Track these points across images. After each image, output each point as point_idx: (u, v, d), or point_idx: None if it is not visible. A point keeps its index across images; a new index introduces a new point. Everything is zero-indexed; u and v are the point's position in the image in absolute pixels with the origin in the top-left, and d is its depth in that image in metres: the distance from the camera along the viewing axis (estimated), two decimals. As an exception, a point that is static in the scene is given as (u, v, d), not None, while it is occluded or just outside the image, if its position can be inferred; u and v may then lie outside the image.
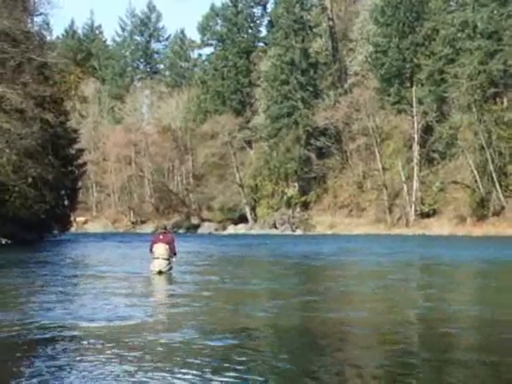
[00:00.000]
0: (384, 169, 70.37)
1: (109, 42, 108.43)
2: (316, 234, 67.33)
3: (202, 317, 10.58)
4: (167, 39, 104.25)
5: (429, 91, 67.63)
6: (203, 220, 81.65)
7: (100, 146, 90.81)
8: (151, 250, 18.26)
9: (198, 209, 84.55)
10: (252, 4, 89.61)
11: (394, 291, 15.13)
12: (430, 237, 56.33)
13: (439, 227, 62.52)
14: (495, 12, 63.64)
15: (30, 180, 40.56)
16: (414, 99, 68.08)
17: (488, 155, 60.95)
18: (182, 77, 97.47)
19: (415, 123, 67.84)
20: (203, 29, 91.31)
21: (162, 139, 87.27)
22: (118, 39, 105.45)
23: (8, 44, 39.57)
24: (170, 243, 18.05)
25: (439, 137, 67.05)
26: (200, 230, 77.76)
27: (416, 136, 67.84)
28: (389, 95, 72.04)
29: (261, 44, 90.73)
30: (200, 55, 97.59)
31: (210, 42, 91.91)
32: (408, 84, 71.72)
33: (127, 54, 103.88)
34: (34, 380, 6.50)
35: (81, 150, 55.18)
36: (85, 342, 8.45)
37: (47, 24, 55.49)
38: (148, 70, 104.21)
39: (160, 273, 17.64)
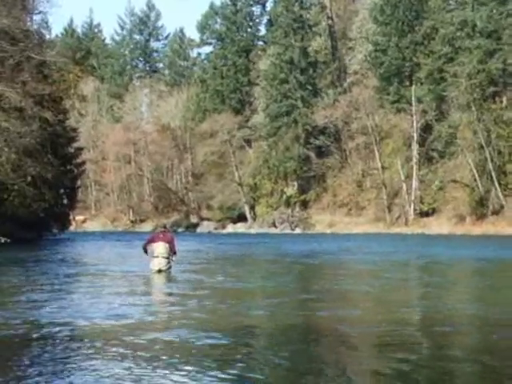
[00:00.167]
0: (383, 168, 70.36)
1: (108, 41, 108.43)
2: (315, 232, 67.32)
3: (200, 315, 10.57)
4: (166, 38, 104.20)
5: (428, 90, 67.62)
6: (202, 219, 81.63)
7: (99, 144, 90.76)
8: (145, 249, 18.27)
9: (197, 208, 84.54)
10: (251, 3, 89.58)
11: (392, 290, 15.13)
12: (429, 236, 56.36)
13: (438, 226, 62.52)
14: (494, 11, 63.63)
15: (29, 179, 40.53)
16: (413, 98, 68.06)
17: (487, 154, 60.95)
18: (182, 75, 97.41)
19: (414, 122, 67.82)
20: (202, 27, 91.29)
21: (162, 138, 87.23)
22: (117, 38, 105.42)
23: (7, 42, 39.54)
24: (170, 242, 18.05)
25: (438, 136, 67.04)
26: (199, 229, 77.74)
27: (415, 135, 67.82)
28: (388, 94, 72.03)
29: (260, 43, 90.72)
30: (199, 54, 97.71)
31: (210, 40, 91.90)
32: (407, 83, 71.72)
33: (126, 52, 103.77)
34: (32, 377, 6.49)
35: (80, 149, 55.13)
36: (83, 341, 8.44)
37: (46, 22, 55.59)
38: (147, 68, 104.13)
39: (159, 271, 17.64)
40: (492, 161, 60.94)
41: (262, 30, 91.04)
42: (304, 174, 75.12)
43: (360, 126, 71.78)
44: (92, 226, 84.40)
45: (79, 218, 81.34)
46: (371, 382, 6.60)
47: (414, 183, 67.43)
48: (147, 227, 75.38)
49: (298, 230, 70.75)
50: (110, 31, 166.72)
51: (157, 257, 17.85)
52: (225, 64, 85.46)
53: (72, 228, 61.33)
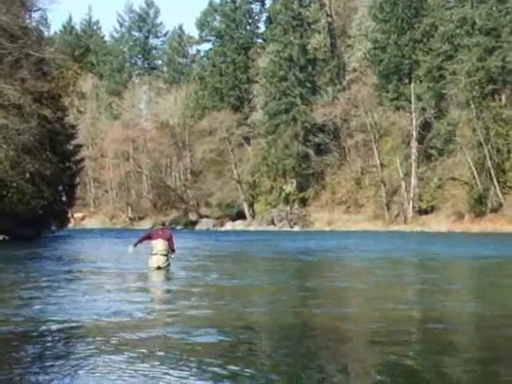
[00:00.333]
0: (382, 165, 70.38)
1: (107, 38, 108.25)
2: (314, 230, 67.33)
3: (198, 312, 10.56)
4: (165, 35, 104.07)
5: (427, 88, 67.63)
6: (201, 216, 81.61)
7: (98, 141, 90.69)
8: (137, 243, 18.31)
9: (196, 205, 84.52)
10: (250, 0, 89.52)
11: (387, 287, 15.14)
12: (428, 233, 56.39)
13: (437, 224, 62.56)
14: (494, 8, 63.65)
15: (27, 176, 40.48)
16: (412, 96, 68.06)
17: (486, 152, 60.99)
18: (180, 73, 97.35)
19: (413, 120, 67.84)
20: (201, 25, 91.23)
21: (160, 135, 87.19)
22: (115, 35, 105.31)
23: (6, 39, 39.48)
24: (169, 239, 18.05)
25: (437, 133, 67.10)
26: (198, 227, 77.73)
27: (414, 132, 67.83)
28: (387, 91, 72.03)
29: (259, 40, 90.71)
30: (198, 51, 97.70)
31: (208, 37, 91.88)
32: (406, 80, 71.73)
33: (125, 49, 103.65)
34: (31, 374, 6.48)
35: (79, 146, 55.05)
36: (81, 337, 8.43)
37: (45, 19, 55.64)
38: (146, 65, 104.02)
39: (158, 268, 17.64)
40: (491, 158, 60.99)
41: (261, 28, 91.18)
42: (303, 172, 75.14)
43: (359, 124, 71.81)
44: (91, 223, 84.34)
45: (78, 215, 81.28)
46: (371, 377, 6.57)
47: (413, 181, 67.45)
48: (146, 224, 75.33)
49: (296, 228, 70.75)
50: (108, 28, 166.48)
51: (155, 254, 17.86)
52: (224, 61, 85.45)
53: (71, 225, 61.31)
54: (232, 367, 6.77)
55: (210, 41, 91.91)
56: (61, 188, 49.64)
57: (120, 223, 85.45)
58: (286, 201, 74.38)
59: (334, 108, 73.05)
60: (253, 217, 77.42)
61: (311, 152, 75.18)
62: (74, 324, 9.40)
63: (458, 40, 65.21)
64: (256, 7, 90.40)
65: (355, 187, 72.85)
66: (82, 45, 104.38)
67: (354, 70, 78.97)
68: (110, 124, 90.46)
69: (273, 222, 73.45)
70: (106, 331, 8.83)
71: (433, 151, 68.32)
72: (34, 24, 49.53)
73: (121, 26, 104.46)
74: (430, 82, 67.64)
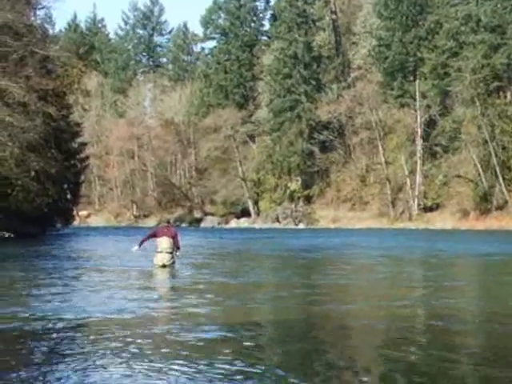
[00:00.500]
0: (387, 163, 70.31)
1: (111, 36, 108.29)
2: (319, 227, 67.30)
3: (203, 309, 10.56)
4: (170, 33, 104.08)
5: (432, 85, 67.53)
6: (206, 214, 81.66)
7: (103, 139, 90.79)
8: (142, 242, 18.31)
9: (201, 203, 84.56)
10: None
11: (391, 285, 15.13)
12: (433, 231, 56.31)
13: (442, 221, 62.51)
14: (499, 5, 63.50)
15: (32, 174, 40.53)
16: (417, 93, 67.98)
17: (491, 149, 60.87)
18: (185, 70, 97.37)
19: (418, 117, 67.76)
20: (206, 22, 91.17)
21: (165, 133, 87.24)
22: (120, 33, 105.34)
23: (11, 37, 39.50)
24: (174, 237, 18.06)
25: (442, 130, 67.01)
26: (203, 224, 77.78)
27: (419, 130, 67.75)
28: (392, 89, 71.94)
29: (264, 38, 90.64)
30: (203, 49, 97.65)
31: (213, 35, 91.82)
32: (411, 78, 71.61)
33: (130, 47, 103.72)
34: (32, 371, 6.48)
35: (83, 144, 55.11)
36: (85, 334, 8.44)
37: (50, 17, 55.66)
38: (151, 63, 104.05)
39: (163, 266, 17.65)
40: (496, 156, 60.86)
41: (266, 25, 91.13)
42: (308, 169, 75.12)
43: (364, 121, 71.76)
44: (95, 221, 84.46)
45: (83, 213, 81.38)
46: (379, 375, 6.57)
47: (418, 178, 67.38)
48: (151, 222, 75.43)
49: (301, 225, 70.74)
50: (113, 26, 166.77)
51: (160, 252, 17.87)
52: (228, 59, 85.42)
53: (76, 223, 61.38)
54: (238, 363, 6.77)
55: (214, 38, 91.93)
56: (66, 186, 49.71)
57: (125, 221, 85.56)
58: (291, 198, 74.36)
59: (338, 105, 72.99)
60: (258, 214, 77.44)
61: (316, 149, 75.14)
62: (78, 321, 9.40)
63: (463, 37, 65.09)
64: (260, 5, 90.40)
65: (360, 185, 72.81)
66: (87, 43, 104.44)
67: (359, 67, 78.89)
68: (115, 122, 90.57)
69: (278, 220, 73.45)
70: (110, 328, 8.83)
71: (438, 148, 68.22)
72: (38, 22, 49.58)
73: (125, 23, 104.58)
74: (435, 80, 67.53)
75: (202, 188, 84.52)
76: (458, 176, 65.02)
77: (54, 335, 8.32)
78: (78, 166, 52.74)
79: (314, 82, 76.39)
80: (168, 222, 20.18)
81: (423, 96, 67.72)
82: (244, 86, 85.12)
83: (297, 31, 76.32)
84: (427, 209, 66.40)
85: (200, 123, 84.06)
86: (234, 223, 77.08)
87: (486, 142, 61.30)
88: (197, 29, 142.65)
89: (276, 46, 79.51)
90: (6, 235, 39.93)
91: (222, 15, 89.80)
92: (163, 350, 7.51)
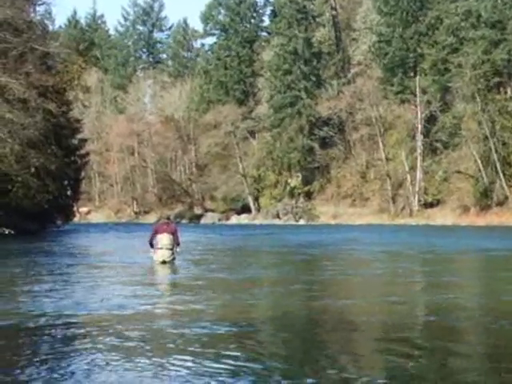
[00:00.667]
0: (387, 159, 70.29)
1: (111, 32, 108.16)
2: (319, 224, 67.31)
3: (201, 305, 10.57)
4: (170, 29, 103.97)
5: (432, 81, 67.47)
6: (206, 210, 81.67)
7: (103, 136, 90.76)
8: (151, 243, 18.24)
9: (201, 199, 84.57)
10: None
11: (390, 281, 15.15)
12: (434, 227, 56.33)
13: (442, 217, 62.51)
14: (499, 1, 63.42)
15: (32, 170, 40.52)
16: (417, 89, 67.92)
17: (492, 145, 60.84)
18: (185, 67, 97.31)
19: (419, 113, 67.71)
20: (206, 18, 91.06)
21: (165, 129, 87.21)
22: (120, 29, 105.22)
23: (10, 33, 39.47)
24: (174, 233, 18.07)
25: (442, 126, 66.98)
26: (203, 220, 77.78)
27: (419, 126, 67.71)
28: (392, 85, 71.87)
29: (264, 34, 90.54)
30: (203, 45, 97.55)
31: (213, 31, 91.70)
32: (411, 73, 71.53)
33: (130, 43, 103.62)
34: (32, 368, 6.49)
35: (84, 140, 55.04)
36: (84, 331, 8.45)
37: (49, 13, 55.65)
38: (151, 59, 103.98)
39: (164, 263, 17.66)
40: (496, 152, 60.84)
41: (266, 21, 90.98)
42: (308, 165, 75.10)
43: (364, 117, 71.72)
44: (96, 217, 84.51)
45: (83, 209, 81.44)
46: (374, 372, 6.57)
47: (419, 174, 67.37)
48: (151, 218, 75.40)
49: (302, 221, 70.75)
50: (113, 22, 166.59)
51: (161, 248, 17.88)
52: (228, 55, 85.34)
53: (76, 219, 61.40)
54: (239, 359, 6.79)
55: (214, 34, 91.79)
56: (66, 182, 49.70)
57: (125, 217, 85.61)
58: (291, 194, 74.36)
59: (338, 101, 72.95)
60: (258, 210, 77.44)
61: (316, 146, 75.12)
62: (79, 317, 9.41)
63: (464, 33, 65.01)
64: (260, 0, 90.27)
65: (360, 181, 72.80)
66: (87, 39, 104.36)
67: (359, 63, 78.83)
68: (115, 118, 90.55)
69: (278, 216, 73.45)
70: (110, 324, 8.84)
71: (438, 144, 68.20)
72: (38, 18, 49.51)
73: (125, 19, 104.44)
74: (435, 75, 67.47)
75: (203, 184, 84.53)
76: (459, 172, 65.01)
77: (54, 331, 8.32)
78: (78, 162, 52.70)
79: (314, 78, 76.33)
80: (168, 218, 20.15)
81: (423, 92, 67.66)
82: (244, 82, 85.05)
83: (297, 27, 76.22)
84: (427, 205, 66.39)
85: (200, 119, 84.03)
86: (234, 219, 77.08)
87: (487, 137, 61.26)
88: (197, 25, 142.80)
89: (276, 42, 79.43)
90: (6, 232, 39.96)
91: (222, 11, 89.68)
92: (163, 346, 7.53)
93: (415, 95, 68.24)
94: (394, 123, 71.62)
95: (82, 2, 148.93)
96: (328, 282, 14.87)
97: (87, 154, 56.29)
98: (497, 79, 63.04)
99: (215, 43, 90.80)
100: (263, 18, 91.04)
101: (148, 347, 7.41)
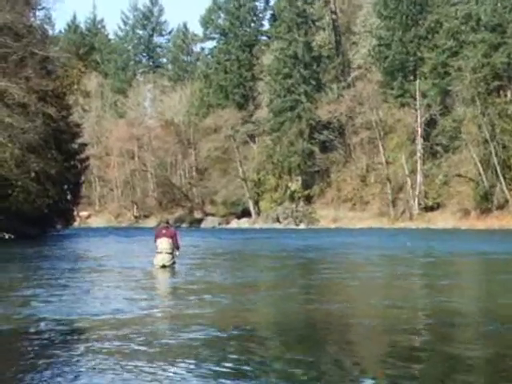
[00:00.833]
0: (387, 162, 70.27)
1: (111, 36, 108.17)
2: (319, 227, 67.29)
3: (199, 310, 10.56)
4: (170, 33, 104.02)
5: (432, 84, 67.49)
6: (206, 214, 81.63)
7: (103, 140, 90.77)
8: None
9: (201, 203, 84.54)
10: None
11: (385, 284, 15.17)
12: (434, 230, 56.28)
13: (443, 221, 62.46)
14: (499, 4, 63.48)
15: (32, 174, 40.51)
16: (417, 92, 67.94)
17: (492, 148, 60.82)
18: (185, 71, 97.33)
19: (419, 116, 67.72)
20: (206, 22, 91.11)
21: (165, 133, 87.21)
22: (120, 33, 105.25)
23: (10, 38, 39.51)
24: (173, 237, 18.06)
25: (443, 130, 66.98)
26: (203, 225, 77.74)
27: (419, 129, 67.71)
28: (392, 88, 71.89)
29: (263, 38, 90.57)
30: (203, 49, 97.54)
31: (213, 35, 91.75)
32: (411, 77, 71.55)
33: (130, 48, 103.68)
34: (28, 372, 6.49)
35: (83, 145, 55.07)
36: (83, 335, 8.46)
37: (49, 18, 55.54)
38: (150, 64, 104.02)
39: (163, 267, 17.66)
40: (497, 155, 60.82)
41: (266, 25, 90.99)
42: (308, 169, 75.09)
43: (364, 121, 71.72)
44: (96, 221, 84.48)
45: (83, 213, 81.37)
46: (375, 370, 6.55)
47: (419, 178, 67.34)
48: (151, 223, 75.44)
49: (302, 225, 70.69)
50: (113, 27, 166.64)
51: (160, 252, 17.89)
52: (228, 59, 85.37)
53: (76, 224, 61.35)
54: (237, 362, 6.78)
55: (214, 38, 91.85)
56: (66, 187, 49.69)
57: (125, 221, 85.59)
58: (292, 198, 74.33)
59: (338, 105, 72.96)
60: (258, 214, 77.41)
61: (316, 149, 75.11)
62: (76, 322, 9.43)
63: (463, 36, 65.05)
64: (260, 5, 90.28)
65: (360, 184, 72.78)
66: (87, 43, 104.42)
67: (359, 67, 78.85)
68: (115, 122, 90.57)
69: (278, 220, 73.40)
70: (107, 328, 8.84)
71: (438, 148, 68.19)
72: (38, 23, 49.51)
73: (125, 24, 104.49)
74: (435, 79, 67.50)
75: (203, 188, 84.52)
76: (459, 175, 64.99)
77: (51, 336, 8.31)
78: (78, 166, 52.71)
79: (314, 82, 76.35)
80: (167, 222, 20.15)
81: (423, 95, 67.68)
82: (244, 86, 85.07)
83: (297, 31, 76.27)
84: (428, 208, 66.35)
85: (200, 123, 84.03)
86: (234, 223, 77.05)
87: (487, 141, 61.25)
88: (196, 29, 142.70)
89: (276, 46, 79.48)
90: (6, 236, 39.90)
91: (222, 15, 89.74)
92: (162, 350, 7.52)
93: (415, 99, 68.26)
94: (394, 127, 71.62)
95: (82, 6, 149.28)
96: (325, 286, 14.92)
97: (87, 158, 56.30)
98: (497, 82, 63.05)
99: (215, 47, 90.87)
100: (263, 22, 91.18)
101: (147, 351, 7.41)
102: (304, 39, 75.93)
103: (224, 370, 6.55)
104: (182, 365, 6.73)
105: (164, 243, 17.85)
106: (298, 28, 76.35)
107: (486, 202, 61.23)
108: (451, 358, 7.12)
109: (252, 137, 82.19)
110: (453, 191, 64.82)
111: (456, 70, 63.79)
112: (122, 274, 17.06)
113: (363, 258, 24.60)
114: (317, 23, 79.93)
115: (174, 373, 6.45)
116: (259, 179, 78.85)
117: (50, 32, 57.80)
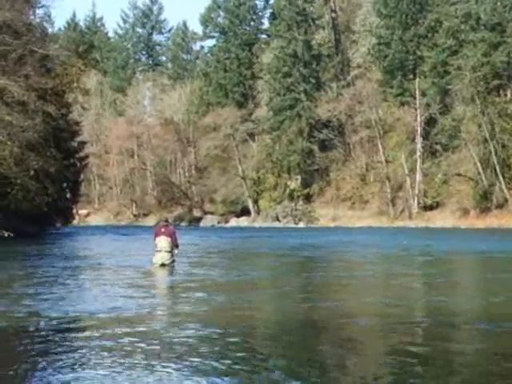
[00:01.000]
0: (387, 161, 70.27)
1: (111, 35, 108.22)
2: (319, 226, 67.30)
3: (197, 308, 10.57)
4: (169, 31, 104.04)
5: (432, 83, 67.48)
6: (206, 213, 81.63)
7: (102, 138, 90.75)
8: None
9: (201, 201, 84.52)
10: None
11: (381, 282, 15.18)
12: (433, 229, 56.30)
13: (442, 220, 62.46)
14: (498, 4, 63.47)
15: (32, 173, 40.48)
16: (417, 91, 67.93)
17: (491, 147, 60.83)
18: (184, 69, 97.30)
19: (418, 115, 67.71)
20: (205, 21, 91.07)
21: (165, 132, 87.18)
22: (119, 31, 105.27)
23: (10, 36, 39.49)
24: (172, 236, 18.05)
25: (442, 129, 66.96)
26: (202, 223, 77.74)
27: (419, 128, 67.71)
28: (392, 87, 71.88)
29: (263, 36, 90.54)
30: (202, 47, 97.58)
31: (213, 34, 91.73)
32: (411, 76, 71.53)
33: (129, 46, 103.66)
34: (25, 369, 6.49)
35: (83, 143, 55.07)
36: (82, 333, 8.45)
37: (49, 16, 55.41)
38: (150, 62, 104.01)
39: (163, 265, 17.64)
40: (496, 154, 60.83)
41: (265, 24, 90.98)
42: (307, 168, 75.08)
43: (363, 120, 71.70)
44: (95, 219, 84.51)
45: (82, 211, 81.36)
46: (376, 369, 6.54)
47: (418, 177, 67.34)
48: (150, 221, 75.45)
49: (301, 224, 70.69)
50: (112, 25, 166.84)
51: (160, 251, 17.88)
52: (228, 57, 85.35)
53: (75, 222, 61.34)
54: (233, 361, 6.78)
55: (214, 37, 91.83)
56: (65, 185, 49.69)
57: (125, 220, 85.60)
58: (291, 197, 74.32)
59: (338, 104, 72.95)
60: (257, 213, 77.42)
61: (316, 148, 75.11)
62: (74, 319, 9.44)
63: (463, 35, 65.04)
64: (260, 3, 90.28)
65: (360, 183, 72.78)
66: (86, 41, 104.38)
67: (359, 65, 78.82)
68: (115, 121, 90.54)
69: (277, 219, 73.40)
70: (104, 326, 8.85)
71: (438, 147, 68.18)
72: (37, 21, 49.50)
73: (125, 22, 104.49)
74: (435, 78, 67.48)
75: (202, 187, 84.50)
76: (458, 174, 64.99)
77: (49, 333, 8.32)
78: (77, 164, 52.70)
79: (313, 81, 76.35)
80: (166, 220, 20.14)
81: (423, 94, 67.67)
82: (243, 84, 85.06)
83: (296, 30, 76.24)
84: (427, 207, 66.35)
85: (200, 122, 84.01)
86: (233, 222, 77.04)
87: (486, 140, 61.25)
88: (196, 27, 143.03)
89: (275, 45, 79.45)
90: (6, 234, 39.87)
91: (222, 14, 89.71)
92: (160, 347, 7.53)
93: (415, 98, 68.25)
94: (394, 126, 71.60)
95: (82, 4, 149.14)
96: (322, 284, 14.95)
97: (86, 156, 56.31)
98: (496, 81, 63.04)
99: (215, 46, 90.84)
100: (263, 21, 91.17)
101: (146, 348, 7.41)
102: (304, 38, 75.91)
103: (222, 367, 6.56)
104: (181, 362, 6.74)
105: (163, 242, 17.84)
106: (298, 26, 76.32)
107: (485, 201, 61.23)
108: (448, 357, 7.13)
109: (251, 135, 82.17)
110: (452, 190, 64.82)
111: (456, 69, 63.78)
112: (121, 272, 17.05)
113: (361, 256, 24.60)
114: (316, 22, 79.92)
115: (173, 370, 6.46)
116: (258, 178, 78.85)
117: (50, 30, 57.80)
